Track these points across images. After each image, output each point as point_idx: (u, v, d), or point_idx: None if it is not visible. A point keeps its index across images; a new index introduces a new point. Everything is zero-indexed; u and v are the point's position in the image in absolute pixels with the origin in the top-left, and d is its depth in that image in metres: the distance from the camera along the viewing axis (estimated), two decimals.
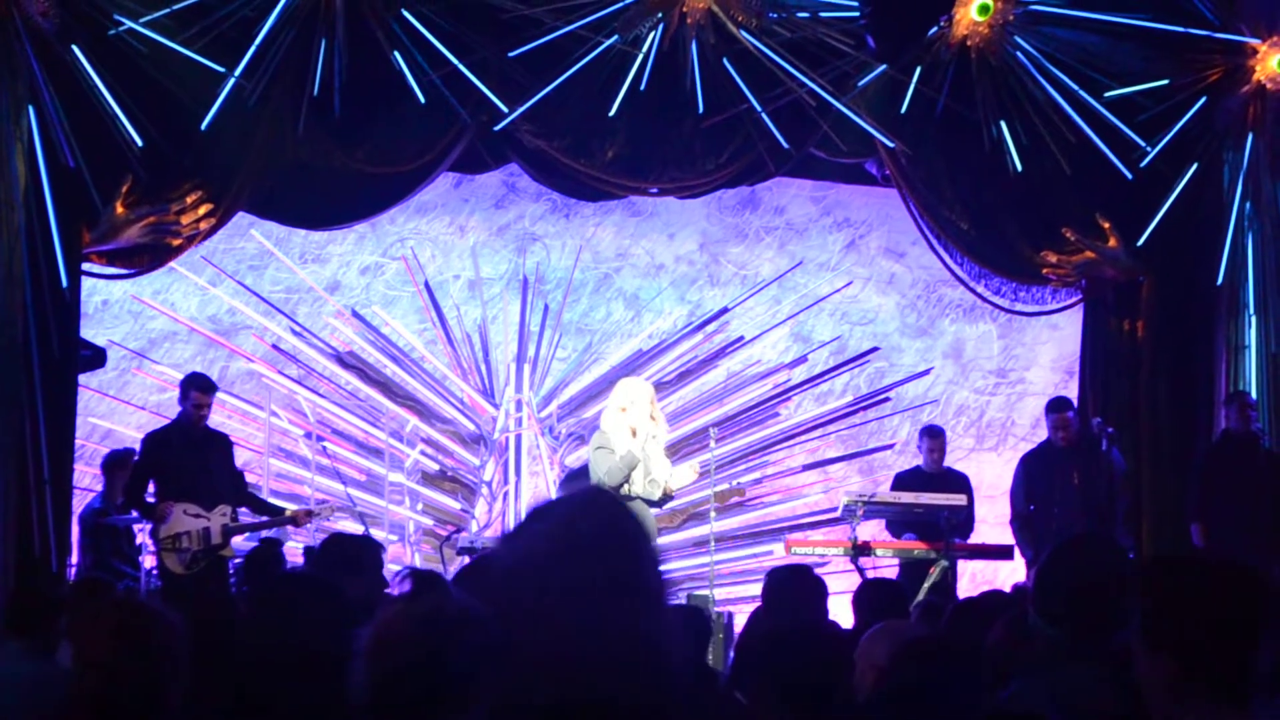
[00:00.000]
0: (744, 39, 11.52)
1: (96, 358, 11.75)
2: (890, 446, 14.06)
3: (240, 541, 10.97)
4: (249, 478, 11.52)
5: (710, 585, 11.43)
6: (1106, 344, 13.10)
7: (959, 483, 12.04)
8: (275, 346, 13.23)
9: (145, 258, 11.17)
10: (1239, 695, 2.99)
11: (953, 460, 12.78)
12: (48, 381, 10.56)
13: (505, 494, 13.30)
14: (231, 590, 10.39)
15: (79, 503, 11.49)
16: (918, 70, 11.92)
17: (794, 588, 6.70)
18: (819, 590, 6.79)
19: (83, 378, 11.42)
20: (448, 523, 13.15)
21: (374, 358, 13.40)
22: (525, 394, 13.42)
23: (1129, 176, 12.30)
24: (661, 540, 11.31)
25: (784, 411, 14.09)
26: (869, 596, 7.27)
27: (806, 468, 14.05)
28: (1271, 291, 12.64)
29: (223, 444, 10.92)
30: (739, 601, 12.24)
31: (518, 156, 11.97)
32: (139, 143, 10.58)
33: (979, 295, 13.04)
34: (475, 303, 13.59)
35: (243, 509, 10.81)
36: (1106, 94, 12.14)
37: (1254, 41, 12.41)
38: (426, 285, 13.50)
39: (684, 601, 11.43)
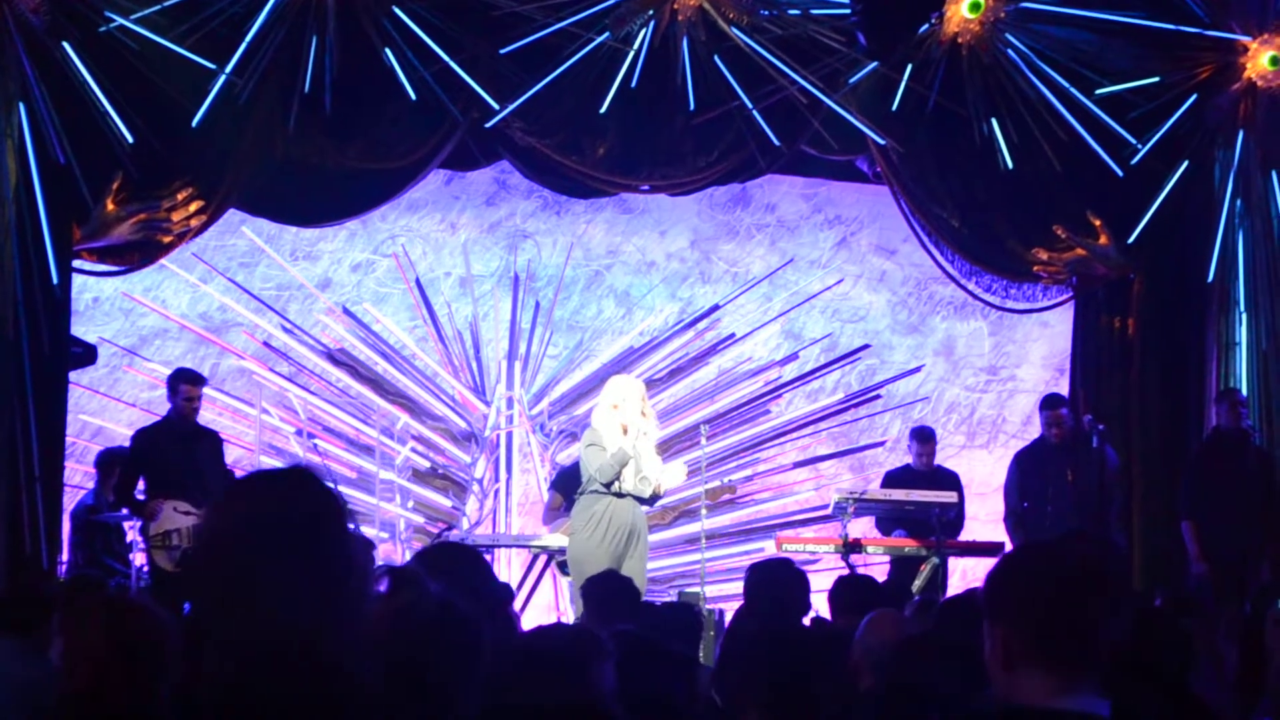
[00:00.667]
0: (735, 36, 11.53)
1: (87, 355, 11.74)
2: (881, 444, 14.06)
3: None
4: (239, 475, 11.50)
5: (701, 583, 11.43)
6: (1097, 341, 13.12)
7: (949, 481, 12.05)
8: (266, 344, 13.21)
9: (136, 255, 11.16)
10: (1074, 670, 3.06)
11: (943, 457, 12.79)
12: (38, 379, 10.56)
13: (496, 491, 13.30)
14: None
15: (70, 499, 11.48)
16: (909, 67, 11.93)
17: (776, 582, 6.71)
18: (801, 584, 6.79)
19: (73, 375, 11.41)
20: (439, 520, 13.14)
21: (365, 355, 13.39)
22: (516, 391, 13.41)
23: (1120, 174, 12.32)
24: (652, 537, 11.31)
25: (775, 409, 14.09)
26: (845, 593, 7.29)
27: (797, 465, 14.05)
28: (1262, 288, 12.66)
29: (213, 441, 10.91)
30: (730, 599, 12.24)
31: (509, 153, 11.97)
32: (130, 139, 10.56)
33: (970, 292, 13.06)
34: (466, 300, 13.59)
35: None
36: (1097, 91, 12.16)
37: (1244, 39, 12.43)
38: (417, 282, 13.49)
39: (674, 599, 11.47)
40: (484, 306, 13.59)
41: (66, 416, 11.13)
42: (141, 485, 10.59)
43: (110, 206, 10.76)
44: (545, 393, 13.56)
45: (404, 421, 13.27)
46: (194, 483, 10.50)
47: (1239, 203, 12.67)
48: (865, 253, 14.30)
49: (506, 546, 12.16)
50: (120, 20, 10.56)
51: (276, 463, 12.92)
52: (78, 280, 11.27)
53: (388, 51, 11.05)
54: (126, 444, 11.28)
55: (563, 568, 11.14)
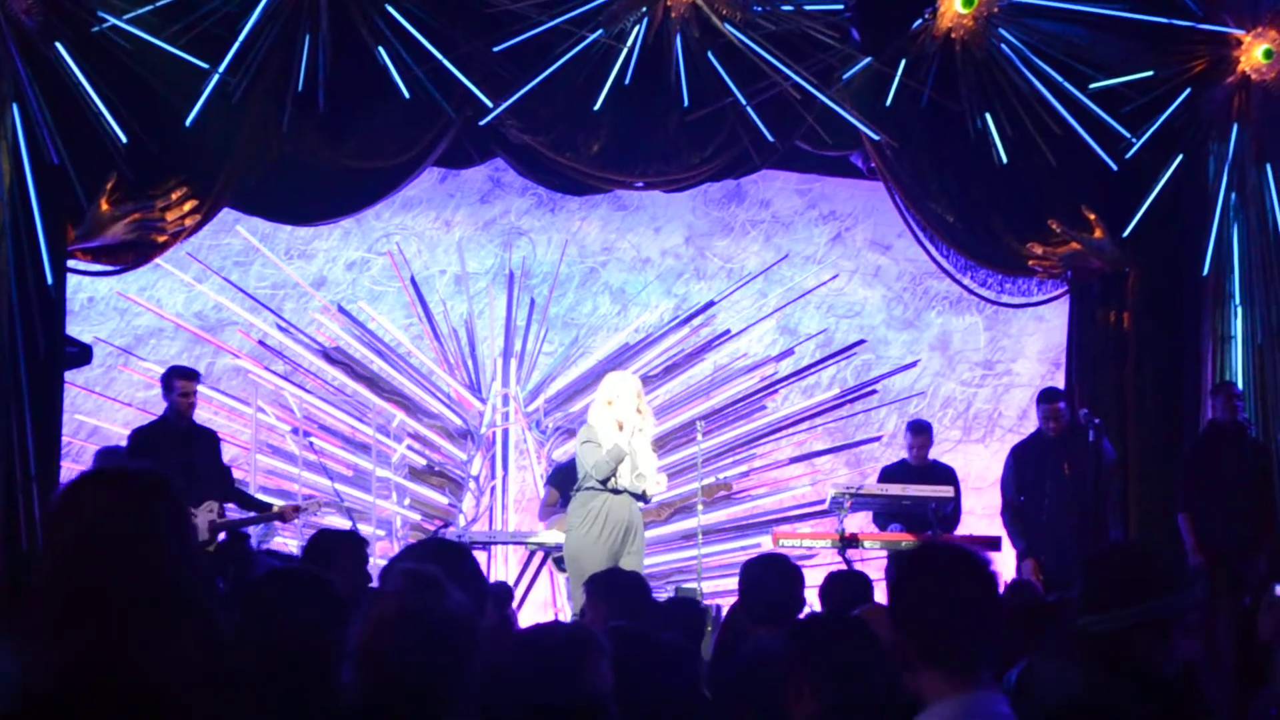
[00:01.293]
0: (728, 32, 11.52)
1: (82, 354, 11.74)
2: (877, 439, 14.07)
3: None
4: (236, 474, 11.51)
5: (698, 578, 11.45)
6: (1093, 335, 13.11)
7: (945, 475, 12.05)
8: (261, 342, 13.22)
9: (130, 254, 11.15)
10: (967, 673, 3.19)
11: (939, 452, 12.80)
12: (34, 379, 10.55)
13: (492, 488, 13.31)
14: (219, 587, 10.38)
15: None
16: (902, 63, 11.92)
17: (771, 578, 6.70)
18: (796, 580, 6.79)
19: (69, 374, 11.40)
20: (435, 517, 13.16)
21: (360, 353, 13.40)
22: (512, 388, 13.43)
23: (1114, 168, 12.31)
24: (649, 533, 11.31)
25: (771, 404, 14.10)
26: (836, 588, 7.30)
27: (793, 460, 14.06)
28: (1257, 282, 12.66)
29: (209, 440, 10.91)
30: (727, 594, 12.24)
31: (503, 151, 11.96)
32: (123, 139, 10.55)
33: (965, 287, 13.05)
34: (461, 297, 13.59)
35: (230, 505, 10.80)
36: (1091, 86, 12.15)
37: (1238, 32, 12.43)
38: (412, 280, 13.50)
39: (672, 594, 11.47)
40: (479, 304, 13.59)
41: (62, 416, 11.12)
42: None
43: (104, 206, 10.75)
44: (541, 390, 13.57)
45: (400, 419, 13.28)
46: (191, 482, 10.50)
47: (1234, 196, 12.67)
48: (860, 248, 14.31)
49: (503, 543, 12.17)
50: (113, 20, 10.54)
51: (274, 462, 12.94)
52: (72, 280, 11.26)
53: (381, 49, 11.04)
54: (125, 444, 11.28)
55: (559, 564, 11.14)
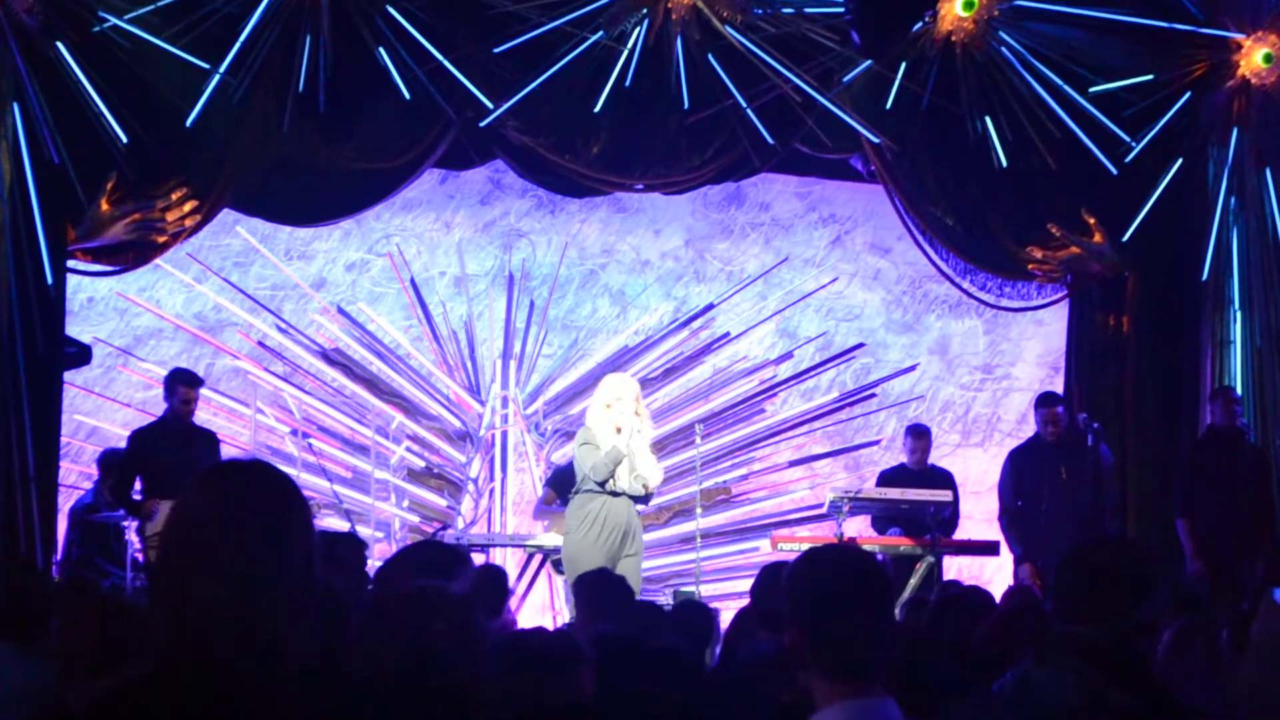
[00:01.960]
0: (729, 35, 11.53)
1: (82, 355, 11.74)
2: (876, 442, 14.07)
3: None
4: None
5: (697, 582, 11.43)
6: (1092, 339, 13.12)
7: (944, 479, 12.04)
8: (261, 343, 13.21)
9: (130, 255, 11.15)
10: (856, 673, 3.20)
11: (938, 456, 12.80)
12: (33, 379, 10.55)
13: (491, 490, 13.30)
14: None
15: (65, 500, 11.48)
16: (903, 66, 11.93)
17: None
18: None
19: (68, 375, 11.40)
20: (434, 519, 13.14)
21: (359, 354, 13.39)
22: (511, 390, 13.42)
23: (1114, 172, 12.32)
24: (648, 537, 11.30)
25: (770, 408, 14.09)
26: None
27: (792, 464, 14.05)
28: (1256, 286, 12.67)
29: (209, 441, 10.90)
30: (725, 598, 12.25)
31: (503, 152, 11.96)
32: (124, 139, 10.56)
33: (965, 291, 13.05)
34: (461, 299, 13.59)
35: None
36: (1091, 89, 12.16)
37: (1238, 36, 12.44)
38: (412, 282, 13.49)
39: (669, 598, 11.46)
40: (479, 306, 13.59)
41: (61, 417, 11.12)
42: (138, 485, 10.59)
43: (105, 206, 10.75)
44: (540, 392, 13.57)
45: (399, 421, 13.27)
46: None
47: (1233, 200, 12.68)
48: (860, 251, 14.31)
49: (501, 546, 12.16)
50: (114, 20, 10.55)
51: (271, 462, 12.91)
52: (72, 280, 11.27)
53: (381, 51, 11.04)
54: (124, 444, 11.28)
55: (558, 566, 11.13)
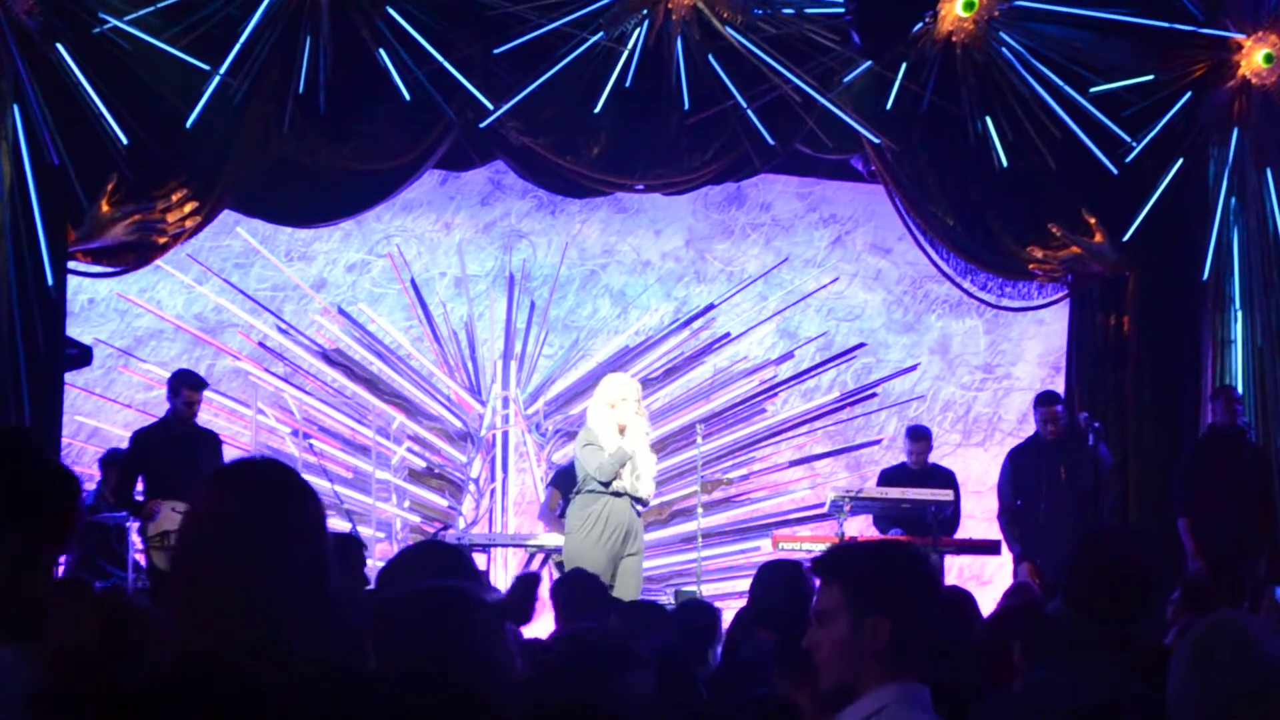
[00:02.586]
0: (729, 35, 11.53)
1: (82, 356, 11.74)
2: (877, 442, 14.06)
3: None
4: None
5: (698, 581, 11.44)
6: (1093, 339, 13.12)
7: (945, 479, 12.03)
8: (261, 344, 13.21)
9: (131, 256, 11.16)
10: (920, 660, 3.29)
11: (939, 456, 12.79)
12: (34, 380, 10.55)
13: (492, 491, 13.30)
14: None
15: None
16: (903, 66, 11.93)
17: (784, 585, 6.70)
18: (809, 589, 6.79)
19: (69, 376, 11.40)
20: (435, 520, 13.15)
21: (360, 355, 13.39)
22: (512, 391, 13.42)
23: (1114, 172, 12.32)
24: (649, 536, 11.30)
25: (771, 408, 14.09)
26: None
27: (793, 464, 14.05)
28: (1257, 286, 12.67)
29: (211, 441, 10.90)
30: (727, 597, 12.24)
31: (503, 153, 11.96)
32: (124, 141, 10.56)
33: (965, 291, 13.06)
34: (461, 300, 13.59)
35: None
36: (1092, 89, 12.16)
37: (1238, 37, 12.44)
38: (412, 282, 13.49)
39: (670, 597, 11.46)
40: (479, 306, 13.59)
41: (62, 418, 11.13)
42: (140, 486, 10.59)
43: (105, 208, 10.75)
44: (541, 392, 13.56)
45: (399, 421, 13.27)
46: (193, 484, 10.39)
47: (1234, 200, 12.68)
48: (860, 251, 14.31)
49: (503, 546, 12.17)
50: (114, 21, 10.55)
51: None
52: (73, 281, 11.27)
53: (381, 52, 11.04)
54: (126, 445, 11.29)
55: (559, 567, 11.13)
